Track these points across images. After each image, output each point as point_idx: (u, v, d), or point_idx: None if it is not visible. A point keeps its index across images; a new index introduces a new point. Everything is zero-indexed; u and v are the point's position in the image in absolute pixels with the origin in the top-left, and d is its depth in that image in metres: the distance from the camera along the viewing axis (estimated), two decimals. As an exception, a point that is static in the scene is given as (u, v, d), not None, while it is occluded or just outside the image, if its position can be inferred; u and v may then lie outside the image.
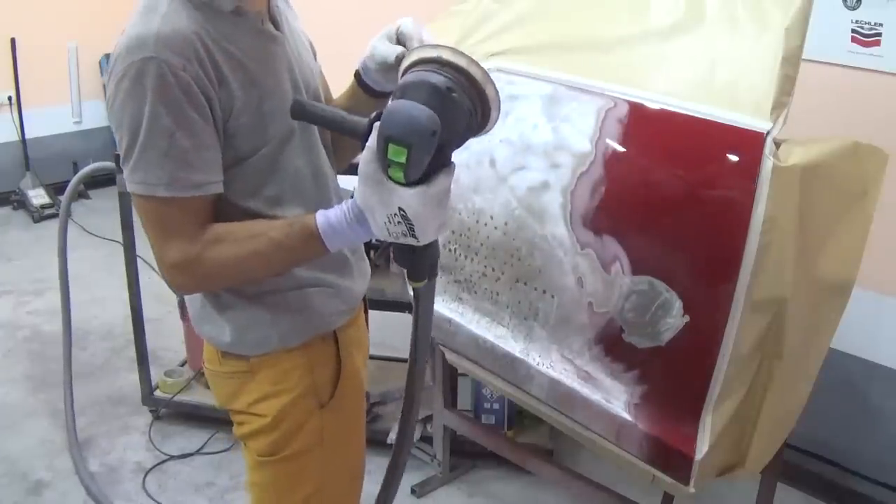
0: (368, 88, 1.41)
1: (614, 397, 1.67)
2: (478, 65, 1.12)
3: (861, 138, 1.53)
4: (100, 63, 5.12)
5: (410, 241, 1.16)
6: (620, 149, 1.60)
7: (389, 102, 1.13)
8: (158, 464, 2.73)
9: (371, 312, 1.90)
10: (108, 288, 3.78)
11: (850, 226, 1.55)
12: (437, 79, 1.10)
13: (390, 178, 1.11)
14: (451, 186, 1.15)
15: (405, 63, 1.17)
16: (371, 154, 1.12)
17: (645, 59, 1.65)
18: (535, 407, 1.90)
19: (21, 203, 4.84)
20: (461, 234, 1.87)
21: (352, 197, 1.19)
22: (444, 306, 1.94)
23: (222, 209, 1.28)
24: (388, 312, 2.64)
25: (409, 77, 1.12)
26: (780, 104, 1.46)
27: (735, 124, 1.48)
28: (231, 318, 1.37)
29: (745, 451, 1.64)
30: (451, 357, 2.17)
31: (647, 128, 1.61)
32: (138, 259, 2.78)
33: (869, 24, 2.30)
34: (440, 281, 1.84)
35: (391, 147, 1.08)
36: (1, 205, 4.88)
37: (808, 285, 1.52)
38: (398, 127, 1.08)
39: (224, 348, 1.40)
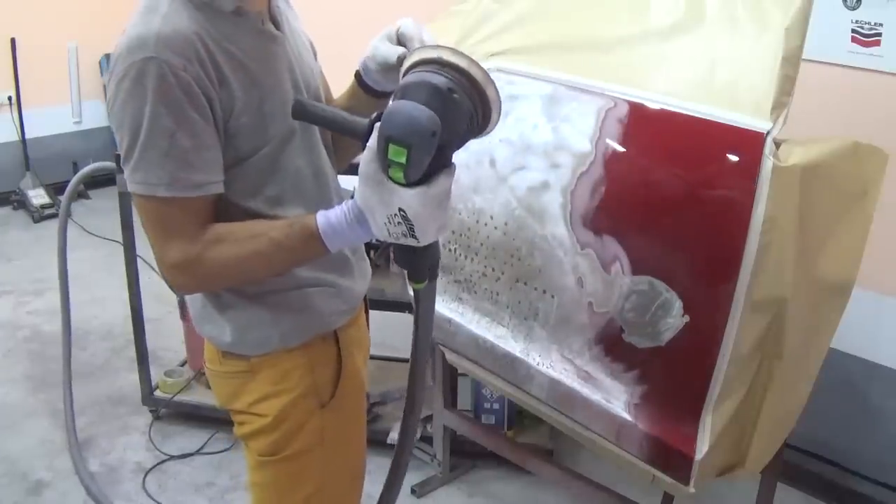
0: (369, 89, 1.41)
1: (614, 397, 1.67)
2: (479, 66, 1.12)
3: (861, 138, 1.53)
4: (100, 63, 5.12)
5: (411, 241, 1.16)
6: (620, 149, 1.60)
7: (390, 103, 1.13)
8: (158, 464, 2.73)
9: (371, 312, 1.90)
10: (108, 288, 3.78)
11: (850, 226, 1.55)
12: (438, 79, 1.10)
13: (391, 178, 1.11)
14: (452, 187, 1.15)
15: (406, 64, 1.17)
16: (371, 154, 1.12)
17: (645, 59, 1.65)
18: (535, 407, 1.91)
19: (21, 203, 4.84)
20: (461, 234, 1.87)
21: (352, 197, 1.19)
22: (444, 306, 1.95)
23: (223, 209, 1.28)
24: (389, 312, 2.64)
25: (410, 78, 1.12)
26: (780, 104, 1.46)
27: (735, 124, 1.48)
28: (232, 318, 1.38)
29: (745, 451, 1.64)
30: (451, 357, 2.17)
31: (647, 128, 1.61)
32: (138, 259, 2.78)
33: (869, 24, 2.30)
34: (440, 281, 1.84)
35: (391, 147, 1.08)
36: (1, 205, 4.89)
37: (808, 285, 1.52)
38: (399, 127, 1.08)
39: (225, 348, 1.40)
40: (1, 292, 3.92)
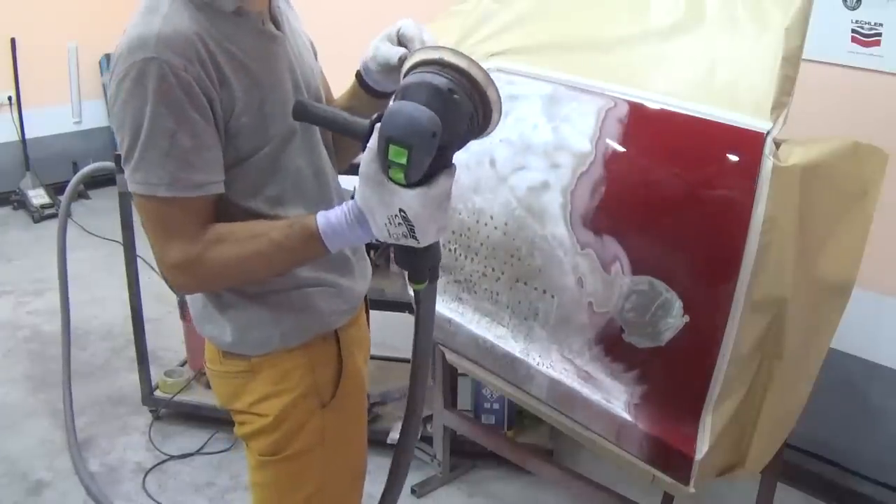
0: (370, 89, 1.41)
1: (614, 397, 1.67)
2: (480, 67, 1.13)
3: (861, 138, 1.53)
4: (100, 63, 5.13)
5: (411, 242, 1.16)
6: (620, 149, 1.60)
7: (391, 103, 1.13)
8: (158, 464, 2.73)
9: (371, 312, 1.90)
10: (108, 288, 3.78)
11: (850, 226, 1.55)
12: (439, 80, 1.10)
13: (391, 179, 1.11)
14: (452, 188, 1.15)
15: (407, 64, 1.17)
16: (372, 155, 1.12)
17: (645, 59, 1.65)
18: (535, 407, 1.91)
19: (21, 203, 4.84)
20: (461, 234, 1.87)
21: (352, 198, 1.19)
22: (444, 306, 1.95)
23: (224, 209, 1.28)
24: (389, 312, 2.64)
25: (411, 78, 1.13)
26: (780, 104, 1.46)
27: (735, 124, 1.48)
28: (232, 318, 1.38)
29: (745, 451, 1.64)
30: (451, 357, 2.17)
31: (647, 128, 1.61)
32: (138, 259, 2.78)
33: (869, 24, 2.30)
34: (440, 281, 1.84)
35: (392, 148, 1.08)
36: (1, 205, 4.89)
37: (808, 285, 1.52)
38: (399, 128, 1.08)
39: (225, 348, 1.40)
40: (1, 292, 3.92)
